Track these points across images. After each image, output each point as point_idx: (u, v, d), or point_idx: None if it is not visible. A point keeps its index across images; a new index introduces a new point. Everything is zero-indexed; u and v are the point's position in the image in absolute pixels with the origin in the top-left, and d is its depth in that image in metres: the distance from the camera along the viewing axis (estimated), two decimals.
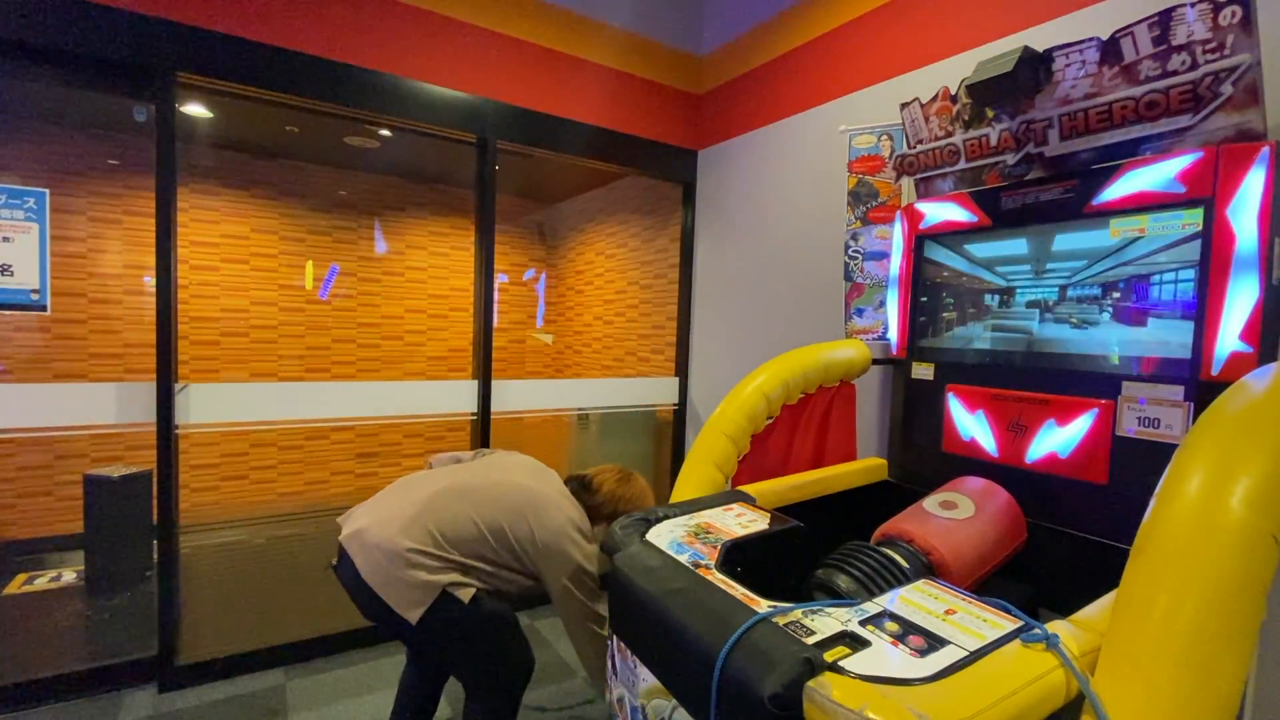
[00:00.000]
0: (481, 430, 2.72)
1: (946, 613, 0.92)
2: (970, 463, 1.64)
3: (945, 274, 1.77)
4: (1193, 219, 1.26)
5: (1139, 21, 1.29)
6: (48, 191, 2.09)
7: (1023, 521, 1.50)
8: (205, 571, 3.24)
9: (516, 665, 1.54)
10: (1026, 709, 0.75)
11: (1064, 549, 1.45)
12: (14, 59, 1.97)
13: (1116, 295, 1.39)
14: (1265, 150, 1.18)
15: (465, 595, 1.38)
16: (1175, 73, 1.27)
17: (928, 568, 1.28)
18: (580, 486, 1.72)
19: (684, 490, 1.66)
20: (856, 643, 0.83)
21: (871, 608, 0.93)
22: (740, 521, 1.33)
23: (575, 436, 3.48)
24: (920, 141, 1.82)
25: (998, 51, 1.53)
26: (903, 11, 2.28)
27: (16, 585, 3.02)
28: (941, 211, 1.75)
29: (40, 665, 2.26)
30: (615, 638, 1.23)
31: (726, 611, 0.93)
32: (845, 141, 2.21)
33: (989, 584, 1.40)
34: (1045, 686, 0.77)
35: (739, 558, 1.19)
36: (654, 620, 1.04)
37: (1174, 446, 0.97)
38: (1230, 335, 1.21)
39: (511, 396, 2.82)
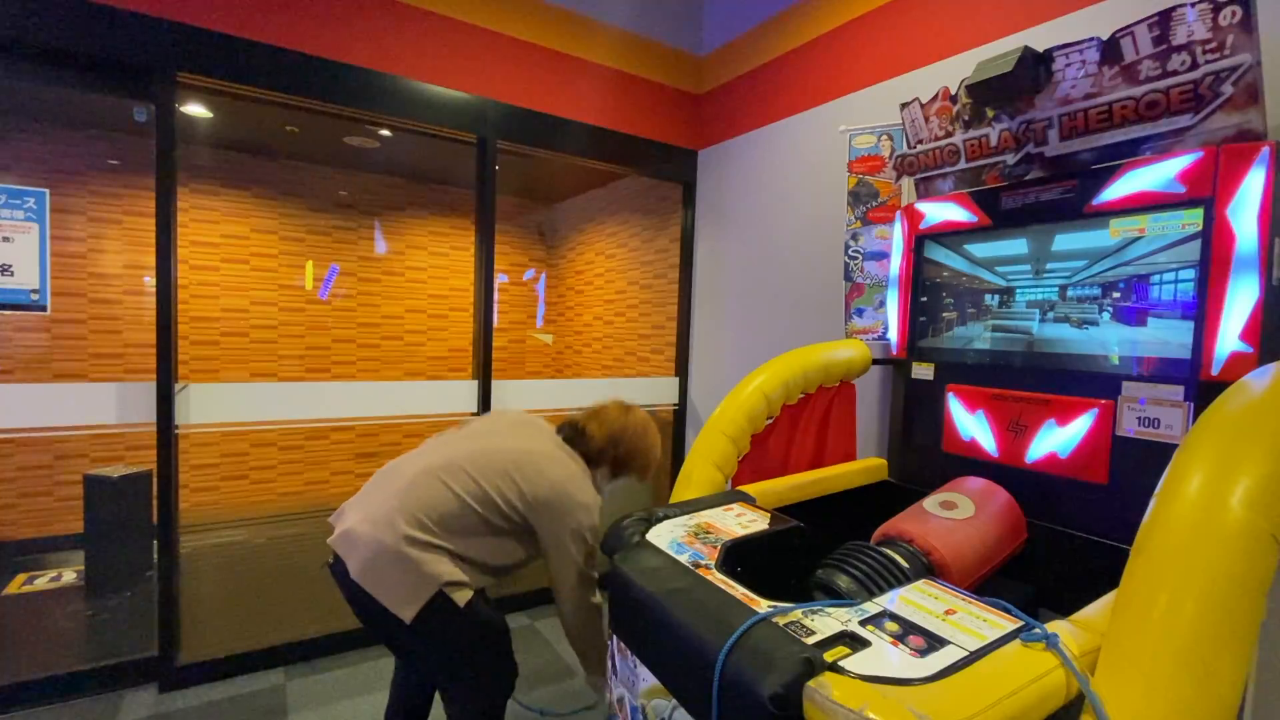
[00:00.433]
0: None
1: (946, 613, 0.92)
2: (970, 463, 1.64)
3: (945, 274, 1.77)
4: (1193, 219, 1.26)
5: (1139, 21, 1.29)
6: (48, 191, 2.09)
7: (1023, 522, 1.50)
8: (205, 571, 3.24)
9: (502, 676, 1.52)
10: (1026, 709, 0.75)
11: (1064, 549, 1.45)
12: (14, 59, 1.97)
13: (1116, 295, 1.39)
14: (1265, 150, 1.18)
15: (461, 599, 1.36)
16: (1175, 73, 1.27)
17: (928, 568, 1.28)
18: (574, 433, 1.61)
19: (684, 490, 1.66)
20: (856, 643, 0.83)
21: (871, 608, 0.93)
22: (740, 521, 1.33)
23: None
24: (920, 141, 1.82)
25: (998, 51, 1.53)
26: (903, 11, 2.28)
27: (16, 585, 3.02)
28: (941, 211, 1.75)
29: (40, 665, 2.26)
30: (615, 638, 1.23)
31: (726, 611, 0.93)
32: (845, 141, 2.22)
33: (989, 584, 1.40)
34: (1045, 686, 0.77)
35: (739, 558, 1.19)
36: (654, 620, 1.04)
37: (1174, 446, 0.97)
38: (1230, 335, 1.21)
39: (511, 396, 2.82)
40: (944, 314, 1.77)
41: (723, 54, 3.19)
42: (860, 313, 2.18)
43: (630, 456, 1.63)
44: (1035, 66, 1.43)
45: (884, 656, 0.80)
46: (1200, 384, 1.24)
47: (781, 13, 2.81)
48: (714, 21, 3.25)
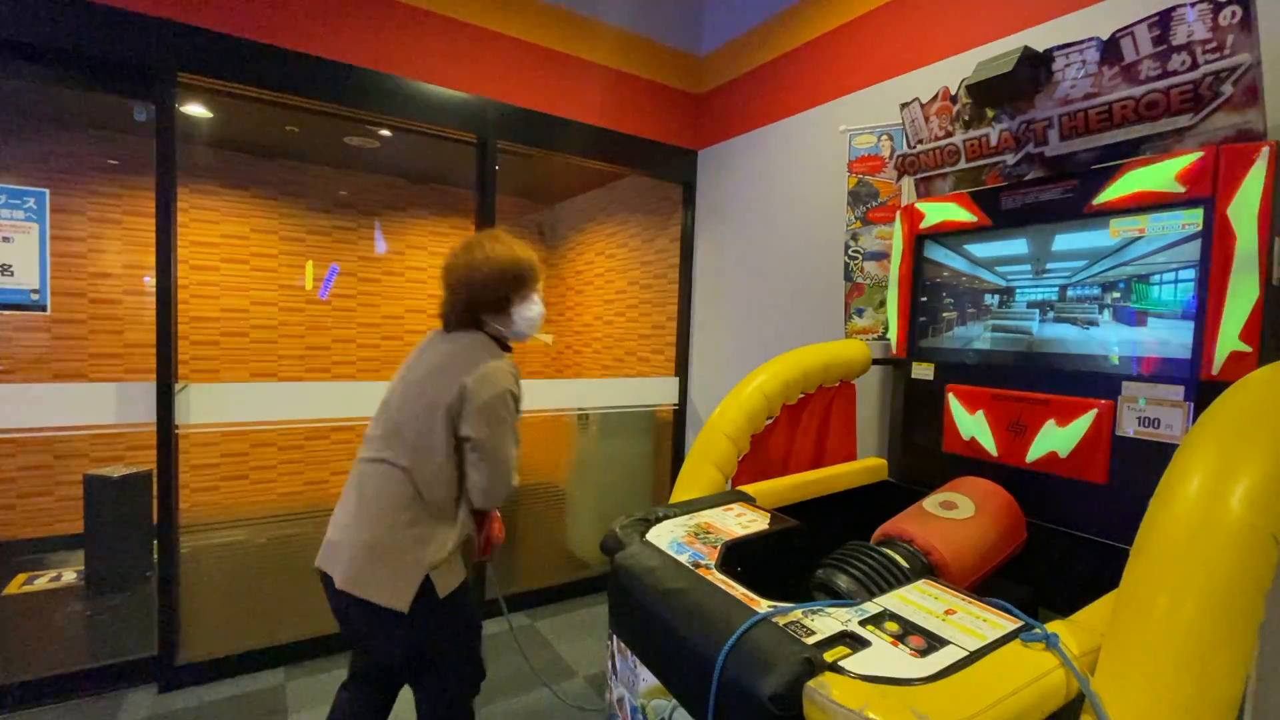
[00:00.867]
0: None
1: (946, 613, 0.92)
2: (970, 463, 1.64)
3: (945, 274, 1.77)
4: (1193, 219, 1.26)
5: (1139, 21, 1.29)
6: (48, 191, 2.09)
7: (1023, 522, 1.50)
8: (205, 571, 3.23)
9: (475, 671, 1.54)
10: (1026, 709, 0.75)
11: (1064, 549, 1.45)
12: (14, 59, 1.97)
13: (1116, 295, 1.39)
14: (1265, 150, 1.18)
15: (445, 586, 1.37)
16: (1175, 73, 1.27)
17: (928, 568, 1.28)
18: (451, 314, 1.48)
19: (684, 490, 1.66)
20: (856, 643, 0.83)
21: (871, 608, 0.93)
22: (740, 521, 1.33)
23: (575, 437, 3.48)
24: (920, 141, 1.82)
25: (998, 51, 1.53)
26: (903, 11, 2.28)
27: (16, 585, 3.02)
28: (941, 211, 1.75)
29: (40, 665, 2.26)
30: (615, 638, 1.23)
31: (726, 612, 0.93)
32: (845, 141, 2.22)
33: (989, 584, 1.40)
34: (1045, 686, 0.77)
35: (739, 558, 1.19)
36: (654, 620, 1.04)
37: (1174, 446, 0.97)
38: (1230, 335, 1.21)
39: None
40: (944, 314, 1.77)
41: (723, 54, 3.19)
42: (860, 313, 2.18)
43: (498, 279, 1.45)
44: (1035, 66, 1.43)
45: (884, 656, 0.80)
46: (1200, 384, 1.24)
47: (781, 13, 2.81)
48: (714, 21, 3.25)
